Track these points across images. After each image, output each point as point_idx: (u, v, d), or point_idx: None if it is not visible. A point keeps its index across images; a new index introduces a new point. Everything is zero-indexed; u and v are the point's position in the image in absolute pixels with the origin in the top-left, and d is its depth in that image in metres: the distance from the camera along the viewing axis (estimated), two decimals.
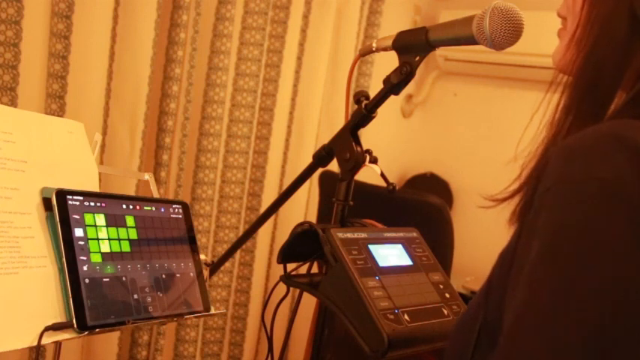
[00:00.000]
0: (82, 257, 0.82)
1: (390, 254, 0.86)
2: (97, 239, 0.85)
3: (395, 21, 2.33)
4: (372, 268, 0.81)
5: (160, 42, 1.57)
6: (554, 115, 0.55)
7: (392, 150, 2.61)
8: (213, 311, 0.96)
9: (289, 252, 0.88)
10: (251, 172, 1.97)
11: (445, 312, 0.82)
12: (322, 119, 2.11)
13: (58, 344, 0.91)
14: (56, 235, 0.81)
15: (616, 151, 0.44)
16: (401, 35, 0.84)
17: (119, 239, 0.88)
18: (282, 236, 2.05)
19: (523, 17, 0.73)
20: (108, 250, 0.85)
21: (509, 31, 0.73)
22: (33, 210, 0.82)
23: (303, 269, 0.91)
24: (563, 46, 0.59)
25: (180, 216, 0.99)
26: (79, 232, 0.83)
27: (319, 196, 1.92)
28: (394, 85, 0.84)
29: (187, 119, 1.67)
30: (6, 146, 0.83)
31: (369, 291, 0.77)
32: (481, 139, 2.49)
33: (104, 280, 0.83)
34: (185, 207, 1.01)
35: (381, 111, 0.88)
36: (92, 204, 0.87)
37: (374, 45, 0.88)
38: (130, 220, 0.91)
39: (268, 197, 1.98)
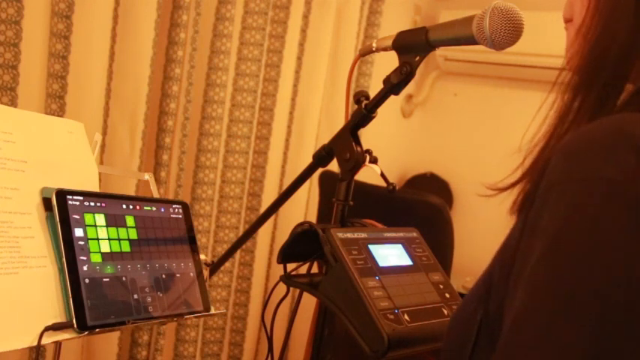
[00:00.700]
0: (82, 257, 0.82)
1: (390, 254, 0.86)
2: (97, 239, 0.85)
3: (395, 21, 2.33)
4: (372, 268, 0.81)
5: (160, 42, 1.57)
6: (559, 106, 0.54)
7: (392, 150, 2.61)
8: (213, 311, 0.96)
9: (289, 252, 0.88)
10: (251, 172, 1.97)
11: (445, 312, 0.82)
12: (322, 119, 2.11)
13: (58, 344, 0.91)
14: (56, 235, 0.81)
15: (623, 149, 0.42)
16: (401, 35, 0.84)
17: (119, 239, 0.88)
18: (282, 236, 2.05)
19: (523, 17, 0.73)
20: (108, 250, 0.85)
21: (509, 31, 0.73)
22: (33, 210, 0.82)
23: (303, 269, 0.91)
24: (570, 39, 0.58)
25: (180, 216, 0.99)
26: (79, 232, 0.83)
27: (319, 196, 1.92)
28: (394, 85, 0.84)
29: (187, 119, 1.67)
30: (6, 146, 0.83)
31: (369, 291, 0.77)
32: (481, 139, 2.49)
33: (104, 280, 0.83)
34: (185, 207, 1.01)
35: (381, 111, 0.88)
36: (92, 204, 0.87)
37: (374, 45, 0.88)
38: (130, 220, 0.91)
39: (268, 197, 1.98)
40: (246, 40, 1.82)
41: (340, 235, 0.82)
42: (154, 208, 0.96)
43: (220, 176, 1.87)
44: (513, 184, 0.55)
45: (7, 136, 0.84)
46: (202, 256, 0.99)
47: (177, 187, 1.69)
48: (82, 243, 0.83)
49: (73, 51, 1.38)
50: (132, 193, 1.54)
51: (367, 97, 0.88)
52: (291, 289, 0.90)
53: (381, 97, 0.86)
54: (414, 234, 0.94)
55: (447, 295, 0.86)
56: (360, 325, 0.76)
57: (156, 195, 1.05)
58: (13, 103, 1.29)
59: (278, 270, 1.08)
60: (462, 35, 0.77)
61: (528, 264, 0.45)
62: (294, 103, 2.03)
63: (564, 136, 0.50)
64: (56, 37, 1.34)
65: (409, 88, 2.27)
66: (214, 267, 1.09)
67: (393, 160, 2.65)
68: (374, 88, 1.18)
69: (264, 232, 2.02)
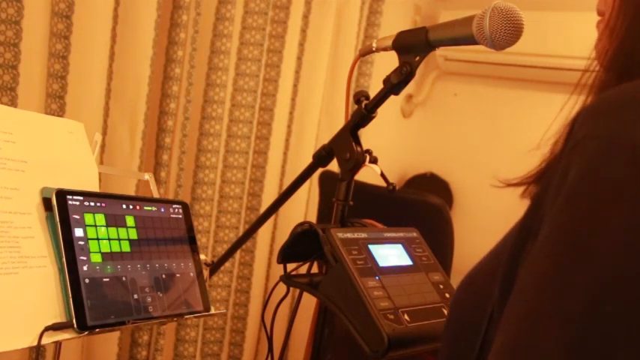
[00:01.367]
0: (82, 257, 0.82)
1: (390, 254, 0.86)
2: (97, 239, 0.85)
3: (395, 21, 2.33)
4: (372, 268, 0.81)
5: (160, 42, 1.56)
6: (585, 97, 0.53)
7: (392, 150, 2.61)
8: (213, 311, 0.96)
9: (289, 252, 0.88)
10: (251, 172, 1.97)
11: (445, 312, 0.82)
12: (322, 119, 2.11)
13: (58, 344, 0.91)
14: (56, 235, 0.81)
15: None
16: (401, 35, 0.84)
17: (119, 239, 0.88)
18: (282, 236, 2.05)
19: (523, 17, 0.73)
20: (108, 250, 0.85)
21: (509, 31, 0.73)
22: (33, 210, 0.82)
23: (303, 269, 0.91)
24: (599, 34, 0.57)
25: (180, 216, 0.99)
26: (79, 232, 0.83)
27: (319, 196, 1.92)
28: (394, 85, 0.84)
29: (187, 119, 1.67)
30: (6, 146, 0.83)
31: (369, 291, 0.77)
32: (481, 139, 2.49)
33: (104, 280, 0.83)
34: (185, 207, 1.01)
35: (381, 111, 0.88)
36: (92, 204, 0.87)
37: (374, 45, 0.88)
38: (130, 220, 0.91)
39: (268, 197, 1.98)
40: (246, 40, 1.82)
41: (340, 235, 0.82)
42: (154, 208, 0.96)
43: (220, 176, 1.87)
44: (531, 181, 0.54)
45: (7, 136, 0.84)
46: (202, 256, 0.99)
47: (177, 187, 1.69)
48: (82, 243, 0.83)
49: (73, 51, 1.38)
50: (132, 193, 1.54)
51: (367, 97, 0.88)
52: (291, 289, 0.90)
53: (381, 97, 0.86)
54: (414, 234, 0.94)
55: (447, 295, 0.86)
56: (360, 325, 0.76)
57: (156, 195, 1.05)
58: (13, 103, 1.29)
59: (278, 270, 1.08)
60: (462, 35, 0.77)
61: (549, 216, 0.44)
62: (294, 103, 2.03)
63: None
64: (56, 37, 1.34)
65: (409, 88, 2.27)
66: (214, 267, 1.09)
67: (393, 160, 2.65)
68: (374, 88, 1.18)
69: (264, 232, 2.02)
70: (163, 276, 0.91)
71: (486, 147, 2.45)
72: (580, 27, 0.59)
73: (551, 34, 2.01)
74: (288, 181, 2.03)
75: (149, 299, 0.87)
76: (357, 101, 0.89)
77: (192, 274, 0.95)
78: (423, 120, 2.71)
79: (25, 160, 0.85)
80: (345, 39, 2.10)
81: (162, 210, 0.97)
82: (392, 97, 0.87)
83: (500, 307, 0.49)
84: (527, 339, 0.41)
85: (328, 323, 0.91)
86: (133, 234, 0.90)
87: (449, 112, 2.64)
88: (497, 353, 0.43)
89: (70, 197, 0.84)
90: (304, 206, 2.11)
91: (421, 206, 1.61)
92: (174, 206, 0.99)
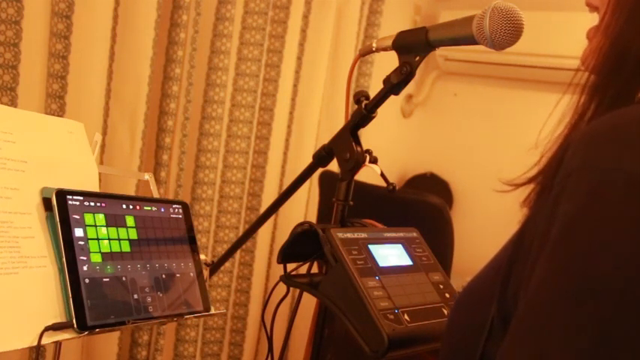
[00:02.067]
0: (82, 257, 0.82)
1: (390, 254, 0.86)
2: (97, 239, 0.85)
3: (395, 21, 2.33)
4: (372, 268, 0.81)
5: (160, 42, 1.57)
6: (577, 99, 0.54)
7: (392, 150, 2.61)
8: (213, 311, 0.96)
9: (289, 252, 0.88)
10: (251, 172, 1.97)
11: (445, 312, 0.82)
12: (322, 119, 2.11)
13: (58, 344, 0.91)
14: (56, 235, 0.81)
15: None
16: (401, 35, 0.84)
17: (119, 239, 0.88)
18: (282, 236, 2.05)
19: (523, 17, 0.73)
20: (108, 250, 0.85)
21: (509, 31, 0.73)
22: (33, 210, 0.82)
23: (303, 269, 0.91)
24: (591, 37, 0.57)
25: (180, 216, 0.99)
26: (79, 232, 0.83)
27: (319, 196, 1.92)
28: (394, 85, 0.84)
29: (187, 119, 1.67)
30: (6, 146, 0.83)
31: (369, 291, 0.77)
32: (481, 139, 2.49)
33: (104, 280, 0.83)
34: (185, 207, 1.01)
35: (381, 111, 0.88)
36: (92, 204, 0.87)
37: (374, 45, 0.88)
38: (130, 220, 0.91)
39: (268, 197, 1.98)
40: (246, 40, 1.82)
41: (340, 235, 0.82)
42: (154, 208, 0.96)
43: (220, 176, 1.87)
44: (530, 181, 0.54)
45: (7, 136, 0.84)
46: (202, 256, 0.99)
47: (177, 187, 1.69)
48: (82, 243, 0.83)
49: (73, 51, 1.38)
50: (132, 193, 1.54)
51: (367, 97, 0.88)
52: (291, 289, 0.90)
53: (381, 97, 0.86)
54: (414, 234, 0.94)
55: (447, 295, 0.86)
56: (360, 325, 0.76)
57: (156, 195, 1.05)
58: (13, 103, 1.29)
59: (278, 270, 1.08)
60: (462, 35, 0.77)
61: (546, 248, 0.45)
62: (294, 103, 2.03)
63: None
64: (56, 37, 1.34)
65: (409, 88, 2.28)
66: (214, 267, 1.09)
67: (393, 160, 2.65)
68: (374, 88, 1.18)
69: (264, 232, 2.02)
70: (163, 276, 0.91)
71: (486, 147, 2.45)
72: (580, 27, 0.59)
73: (551, 34, 2.01)
74: (288, 181, 2.03)
75: (149, 299, 0.87)
76: (357, 101, 0.89)
77: (192, 274, 0.95)
78: (423, 120, 2.71)
79: (25, 160, 0.85)
80: (345, 39, 2.10)
81: (162, 210, 0.97)
82: (392, 97, 0.87)
83: (499, 321, 0.50)
84: None
85: (328, 323, 0.91)
86: (133, 234, 0.90)
87: (449, 112, 2.64)
88: None
89: (70, 197, 0.84)
90: (304, 206, 2.11)
91: (421, 206, 1.61)
92: (174, 206, 0.99)
